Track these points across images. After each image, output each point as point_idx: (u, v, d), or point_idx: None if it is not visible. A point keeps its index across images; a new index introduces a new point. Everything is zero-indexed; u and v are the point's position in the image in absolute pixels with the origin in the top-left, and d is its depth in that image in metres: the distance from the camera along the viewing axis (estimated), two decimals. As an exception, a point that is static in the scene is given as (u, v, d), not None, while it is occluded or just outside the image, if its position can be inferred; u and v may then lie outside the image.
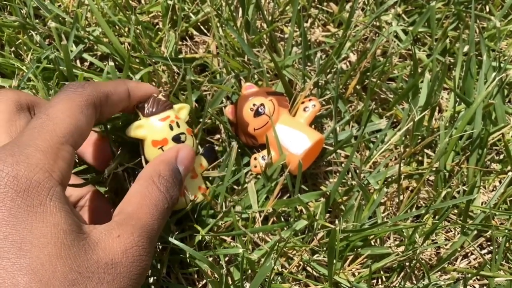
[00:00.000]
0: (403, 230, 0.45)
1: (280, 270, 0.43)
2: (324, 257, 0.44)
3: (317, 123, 0.51)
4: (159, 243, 0.43)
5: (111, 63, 0.46)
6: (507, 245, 0.46)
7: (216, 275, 0.40)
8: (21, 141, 0.30)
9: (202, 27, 0.55)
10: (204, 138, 0.48)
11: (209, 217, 0.44)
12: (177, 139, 0.41)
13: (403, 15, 0.57)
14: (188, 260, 0.42)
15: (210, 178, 0.46)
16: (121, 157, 0.41)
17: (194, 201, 0.42)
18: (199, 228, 0.43)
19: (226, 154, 0.45)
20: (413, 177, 0.48)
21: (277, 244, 0.41)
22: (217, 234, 0.42)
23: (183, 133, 0.41)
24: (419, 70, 0.51)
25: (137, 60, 0.50)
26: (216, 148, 0.48)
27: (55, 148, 0.30)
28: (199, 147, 0.47)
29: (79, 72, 0.48)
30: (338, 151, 0.49)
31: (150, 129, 0.40)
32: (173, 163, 0.38)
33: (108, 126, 0.42)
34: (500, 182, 0.50)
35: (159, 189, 0.35)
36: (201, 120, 0.47)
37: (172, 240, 0.39)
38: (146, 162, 0.41)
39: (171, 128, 0.41)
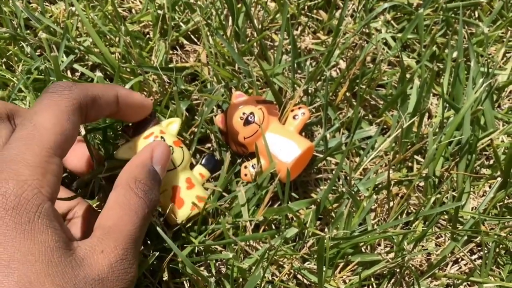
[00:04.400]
0: (393, 236, 0.45)
1: (270, 278, 0.43)
2: (314, 264, 0.44)
3: (307, 130, 0.51)
4: (151, 251, 0.43)
5: (99, 74, 0.46)
6: (497, 250, 0.46)
7: (207, 284, 0.41)
8: (9, 155, 0.30)
9: (192, 36, 0.55)
10: (195, 147, 0.48)
11: (200, 225, 0.44)
12: None
13: (392, 21, 0.58)
14: (180, 270, 0.43)
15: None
16: (96, 171, 0.41)
17: (190, 214, 0.42)
18: (192, 238, 0.43)
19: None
20: (403, 184, 0.49)
21: (268, 252, 0.41)
22: (208, 244, 0.43)
23: (169, 146, 0.41)
24: (408, 77, 0.51)
25: (128, 70, 0.50)
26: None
27: (43, 162, 0.30)
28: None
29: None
30: (328, 158, 0.49)
31: (137, 147, 0.41)
32: (149, 164, 0.37)
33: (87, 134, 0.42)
34: (490, 187, 0.50)
35: (137, 195, 0.34)
36: (191, 129, 0.48)
37: (171, 243, 0.39)
38: None
39: None
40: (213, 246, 0.43)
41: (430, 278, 0.46)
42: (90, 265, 0.30)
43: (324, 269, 0.42)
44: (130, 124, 0.42)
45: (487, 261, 0.45)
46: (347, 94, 0.52)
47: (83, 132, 0.39)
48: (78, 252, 0.30)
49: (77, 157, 0.42)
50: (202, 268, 0.44)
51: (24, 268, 0.27)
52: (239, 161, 0.47)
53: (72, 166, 0.43)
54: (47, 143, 0.31)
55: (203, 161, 0.46)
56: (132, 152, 0.41)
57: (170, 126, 0.43)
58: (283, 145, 0.45)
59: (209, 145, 0.49)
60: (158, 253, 0.39)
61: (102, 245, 0.31)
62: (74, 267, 0.29)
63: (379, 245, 0.47)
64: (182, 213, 0.42)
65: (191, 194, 0.42)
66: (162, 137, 0.41)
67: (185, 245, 0.43)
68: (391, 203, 0.47)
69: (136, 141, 0.41)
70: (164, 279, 0.41)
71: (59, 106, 0.32)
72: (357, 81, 0.52)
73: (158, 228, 0.39)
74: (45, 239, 0.28)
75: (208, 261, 0.43)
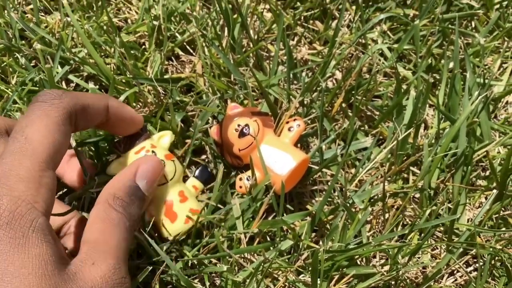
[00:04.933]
0: (389, 249, 0.45)
1: (265, 291, 0.43)
2: (309, 277, 0.44)
3: (302, 142, 0.51)
4: (145, 265, 0.43)
5: (91, 85, 0.46)
6: (493, 262, 0.46)
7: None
8: (2, 171, 0.30)
9: (188, 46, 0.55)
10: (191, 159, 0.48)
11: (194, 239, 0.44)
12: None
13: (388, 32, 0.57)
14: (174, 283, 0.42)
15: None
16: (87, 187, 0.41)
17: (183, 229, 0.42)
18: (186, 251, 0.43)
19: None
20: (398, 195, 0.49)
21: (262, 264, 0.41)
22: (202, 258, 0.42)
23: (161, 160, 0.41)
24: (404, 88, 0.51)
25: (123, 81, 0.50)
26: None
27: (37, 177, 0.30)
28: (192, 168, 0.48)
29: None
30: (324, 169, 0.49)
31: (127, 164, 0.41)
32: (130, 180, 0.37)
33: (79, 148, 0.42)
34: (486, 198, 0.50)
35: (117, 210, 0.34)
36: (187, 141, 0.48)
37: (165, 257, 0.39)
38: None
39: None
40: (207, 260, 0.43)
41: (425, 291, 0.45)
42: (83, 278, 0.30)
43: (319, 281, 0.41)
44: (121, 139, 0.42)
45: (482, 273, 0.45)
46: (343, 105, 0.52)
47: (73, 144, 0.39)
48: (70, 267, 0.30)
49: (75, 172, 0.42)
50: (196, 281, 0.44)
51: (17, 281, 0.27)
52: (233, 173, 0.46)
53: (70, 181, 0.43)
54: (40, 156, 0.31)
55: (196, 173, 0.46)
56: (123, 168, 0.41)
57: (162, 139, 0.43)
58: (278, 157, 0.44)
59: (204, 156, 0.49)
60: (151, 267, 0.39)
61: (92, 258, 0.31)
62: (67, 281, 0.29)
63: (375, 257, 0.47)
64: (176, 228, 0.42)
65: (184, 207, 0.42)
66: (153, 151, 0.41)
67: (178, 259, 0.43)
68: (387, 215, 0.47)
69: (127, 156, 0.41)
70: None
71: (49, 116, 0.32)
72: (353, 92, 0.51)
73: (151, 241, 0.38)
74: (40, 253, 0.29)
75: (202, 274, 0.43)
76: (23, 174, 0.30)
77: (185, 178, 0.45)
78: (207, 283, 0.43)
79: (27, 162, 0.30)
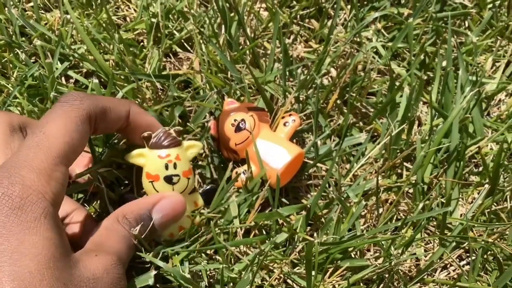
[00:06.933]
0: (382, 242, 0.45)
1: (260, 283, 0.44)
2: (304, 269, 0.44)
3: (298, 137, 0.52)
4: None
5: (95, 80, 0.47)
6: (485, 256, 0.47)
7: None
8: (18, 161, 0.31)
9: (185, 44, 0.56)
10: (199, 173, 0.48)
11: (190, 232, 0.44)
12: (168, 179, 0.41)
13: (382, 31, 0.58)
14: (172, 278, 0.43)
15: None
16: (96, 166, 0.42)
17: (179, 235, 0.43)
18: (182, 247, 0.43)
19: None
20: (392, 190, 0.49)
21: (258, 257, 0.42)
22: (198, 249, 0.43)
23: (177, 175, 0.41)
24: (398, 85, 0.52)
25: (122, 77, 0.51)
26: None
27: (49, 170, 0.32)
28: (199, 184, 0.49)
29: (64, 89, 0.49)
30: (319, 164, 0.50)
31: (148, 160, 0.41)
32: (145, 209, 0.38)
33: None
34: (478, 194, 0.50)
35: (123, 227, 0.37)
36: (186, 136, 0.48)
37: (156, 260, 0.39)
38: (140, 185, 0.42)
39: (166, 167, 0.40)
40: (203, 252, 0.44)
41: (419, 284, 0.46)
42: (85, 266, 0.32)
43: (314, 274, 0.42)
44: (154, 135, 0.41)
45: (474, 267, 0.45)
46: (338, 101, 0.53)
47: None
48: (74, 256, 0.32)
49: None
50: (193, 271, 0.44)
51: (26, 259, 0.29)
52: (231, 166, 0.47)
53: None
54: (54, 151, 0.32)
55: (202, 191, 0.45)
56: (141, 159, 0.41)
57: (190, 150, 0.42)
58: (274, 152, 0.45)
59: (202, 151, 0.50)
60: (156, 272, 0.39)
61: (95, 252, 0.33)
62: (71, 266, 0.31)
63: (369, 250, 0.47)
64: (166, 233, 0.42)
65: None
66: (174, 163, 0.41)
67: (177, 252, 0.43)
68: (380, 210, 0.47)
69: (150, 152, 0.41)
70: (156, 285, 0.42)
71: (69, 116, 0.34)
72: (348, 89, 0.52)
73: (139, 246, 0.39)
74: (50, 237, 0.30)
75: (200, 270, 0.43)
76: (36, 166, 0.31)
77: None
78: (205, 278, 0.43)
79: (42, 155, 0.32)
